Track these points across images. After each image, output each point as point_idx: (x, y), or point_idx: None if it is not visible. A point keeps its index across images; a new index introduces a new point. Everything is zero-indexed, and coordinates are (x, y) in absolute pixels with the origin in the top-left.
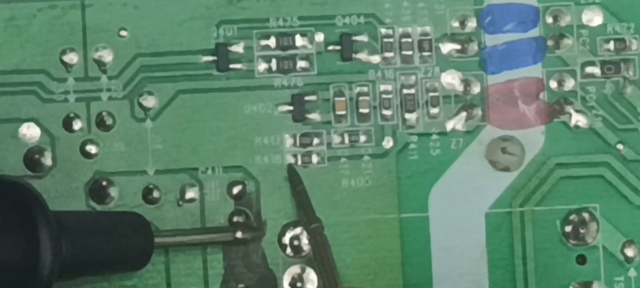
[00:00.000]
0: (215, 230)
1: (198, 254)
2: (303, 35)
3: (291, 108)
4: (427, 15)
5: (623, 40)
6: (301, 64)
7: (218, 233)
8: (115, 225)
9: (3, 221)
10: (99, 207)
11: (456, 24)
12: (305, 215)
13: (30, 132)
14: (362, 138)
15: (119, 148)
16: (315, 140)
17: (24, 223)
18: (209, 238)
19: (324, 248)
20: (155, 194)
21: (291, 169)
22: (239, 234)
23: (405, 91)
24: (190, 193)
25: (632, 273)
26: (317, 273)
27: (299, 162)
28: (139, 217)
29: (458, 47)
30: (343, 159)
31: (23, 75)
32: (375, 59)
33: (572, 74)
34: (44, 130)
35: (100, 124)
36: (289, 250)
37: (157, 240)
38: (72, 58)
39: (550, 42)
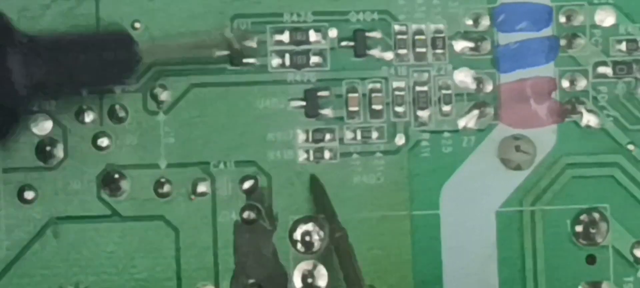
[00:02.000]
0: (205, 41)
1: (209, 249)
2: (317, 30)
3: (304, 103)
4: (440, 13)
5: (635, 41)
6: (314, 59)
7: (209, 44)
8: (92, 40)
9: None
10: (110, 200)
11: (469, 22)
12: (328, 224)
13: (43, 123)
14: (374, 134)
15: (131, 141)
16: (328, 136)
17: None
18: (200, 45)
19: (348, 257)
20: (167, 188)
21: (314, 180)
22: (227, 33)
23: (417, 88)
24: (202, 188)
25: None
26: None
27: (311, 158)
28: (121, 32)
29: (471, 45)
30: (355, 155)
31: None
32: (389, 55)
33: (584, 73)
34: (56, 121)
35: (113, 116)
36: (299, 246)
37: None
38: None
39: (562, 42)
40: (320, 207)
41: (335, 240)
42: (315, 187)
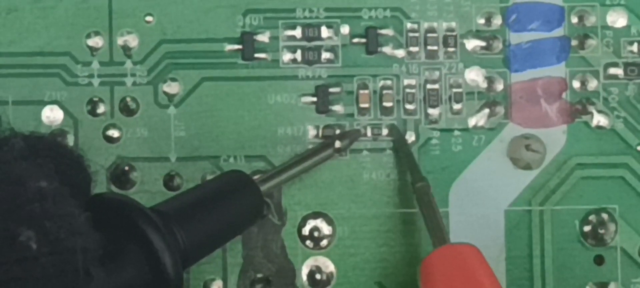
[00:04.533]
0: (313, 152)
1: None
2: (329, 26)
3: (315, 99)
4: (452, 11)
5: None
6: (326, 55)
7: (318, 155)
8: (218, 195)
9: (115, 244)
10: (120, 193)
11: (482, 21)
12: (410, 174)
13: (54, 114)
14: (385, 131)
15: (141, 134)
16: (338, 132)
17: (135, 239)
18: (311, 163)
19: (430, 206)
20: (177, 181)
21: (396, 130)
22: (337, 144)
23: (428, 86)
24: None
25: None
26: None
27: None
28: (237, 174)
29: (483, 44)
30: (365, 152)
31: (48, 58)
32: (400, 53)
33: (595, 74)
34: (67, 113)
35: (124, 108)
36: (308, 242)
37: (263, 187)
38: (97, 42)
39: (574, 42)
40: (402, 157)
41: (417, 189)
42: (397, 138)
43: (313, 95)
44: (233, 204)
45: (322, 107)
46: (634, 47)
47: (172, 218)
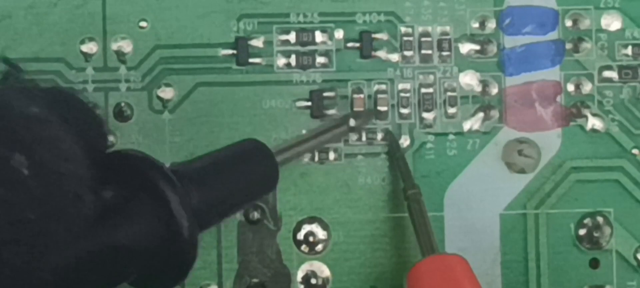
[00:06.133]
0: (327, 127)
1: (213, 248)
2: (323, 31)
3: (309, 104)
4: (447, 15)
5: None
6: (320, 60)
7: (332, 131)
8: (233, 160)
9: (128, 197)
10: None
11: (476, 25)
12: (403, 181)
13: None
14: (379, 136)
15: (136, 140)
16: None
17: (150, 195)
18: (325, 138)
19: (420, 215)
20: None
21: (390, 136)
22: (351, 122)
23: (423, 90)
24: None
25: None
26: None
27: (316, 158)
28: (254, 142)
29: (477, 47)
30: (360, 157)
31: (42, 64)
32: (394, 57)
33: (590, 77)
34: None
35: (118, 114)
36: (303, 246)
37: (278, 158)
38: (91, 48)
39: (568, 46)
40: (395, 162)
41: (408, 197)
42: (390, 143)
43: (307, 100)
44: (248, 171)
45: (317, 111)
46: (629, 50)
47: (185, 177)
